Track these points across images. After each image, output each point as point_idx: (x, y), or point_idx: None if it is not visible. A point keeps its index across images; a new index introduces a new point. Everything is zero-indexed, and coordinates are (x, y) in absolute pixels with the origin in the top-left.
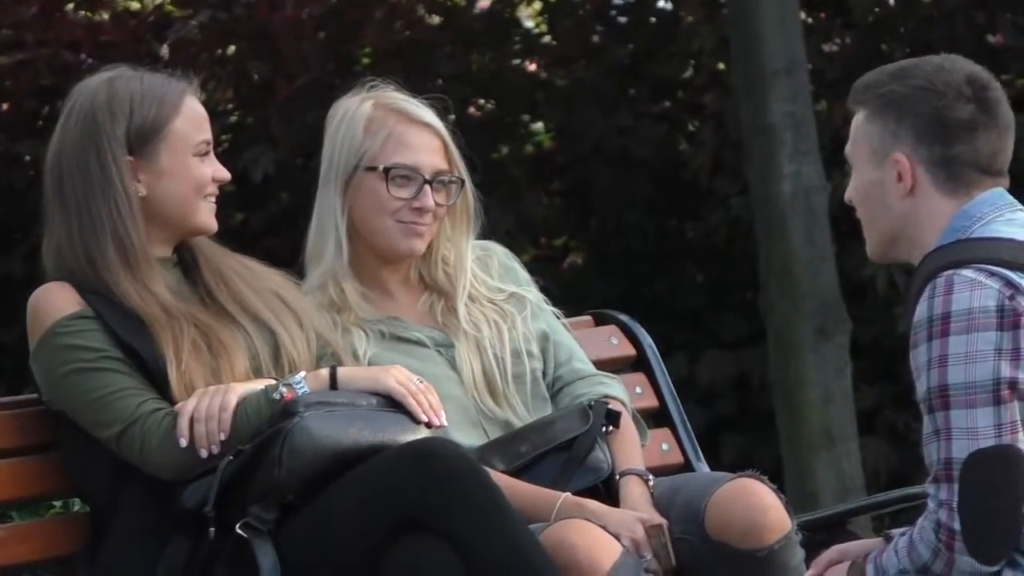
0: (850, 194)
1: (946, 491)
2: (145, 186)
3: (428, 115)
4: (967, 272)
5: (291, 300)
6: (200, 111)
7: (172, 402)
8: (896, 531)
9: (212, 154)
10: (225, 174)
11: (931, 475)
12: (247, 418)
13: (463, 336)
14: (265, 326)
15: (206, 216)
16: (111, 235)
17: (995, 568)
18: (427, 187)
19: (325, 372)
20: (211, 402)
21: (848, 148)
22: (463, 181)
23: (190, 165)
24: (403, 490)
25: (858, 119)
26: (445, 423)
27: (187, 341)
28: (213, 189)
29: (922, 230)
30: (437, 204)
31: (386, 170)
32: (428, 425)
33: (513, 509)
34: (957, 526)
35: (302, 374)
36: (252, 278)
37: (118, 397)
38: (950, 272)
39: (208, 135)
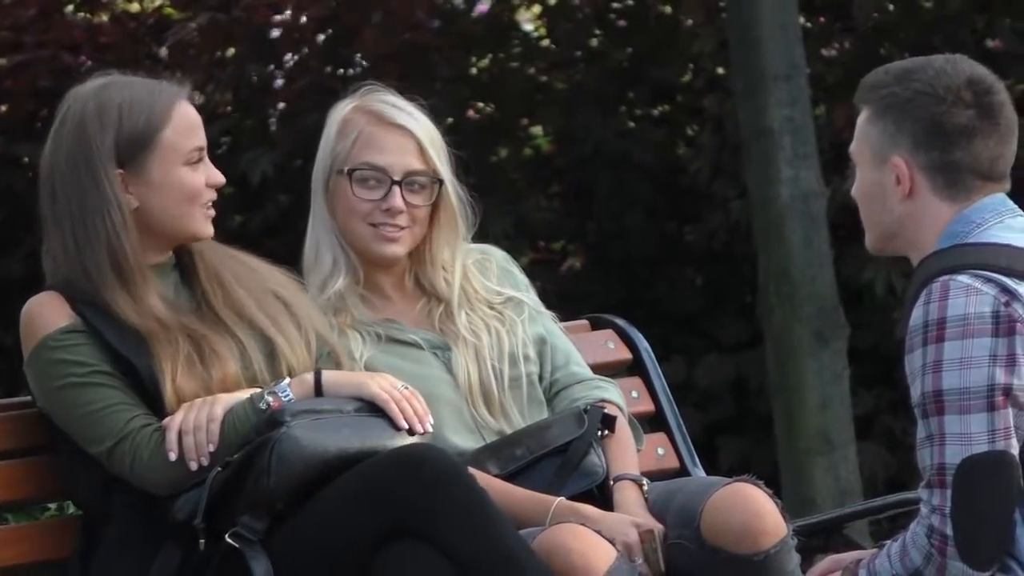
0: (853, 191)
1: (939, 496)
2: (137, 198)
3: (402, 116)
4: (963, 278)
5: (291, 300)
6: (191, 117)
7: (164, 416)
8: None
9: (206, 159)
10: (219, 178)
11: (924, 480)
12: (234, 428)
13: (462, 343)
14: (262, 334)
15: (200, 224)
16: (105, 248)
17: (987, 573)
18: (395, 188)
19: (310, 378)
20: (198, 414)
21: (852, 146)
22: (441, 181)
23: (181, 176)
24: (391, 496)
25: (861, 118)
26: (430, 429)
27: (181, 355)
28: (209, 196)
29: (921, 232)
30: (411, 205)
31: (350, 172)
32: (411, 432)
33: (503, 514)
34: (949, 531)
35: (287, 381)
36: (252, 280)
37: (108, 413)
38: (946, 277)
39: (200, 141)
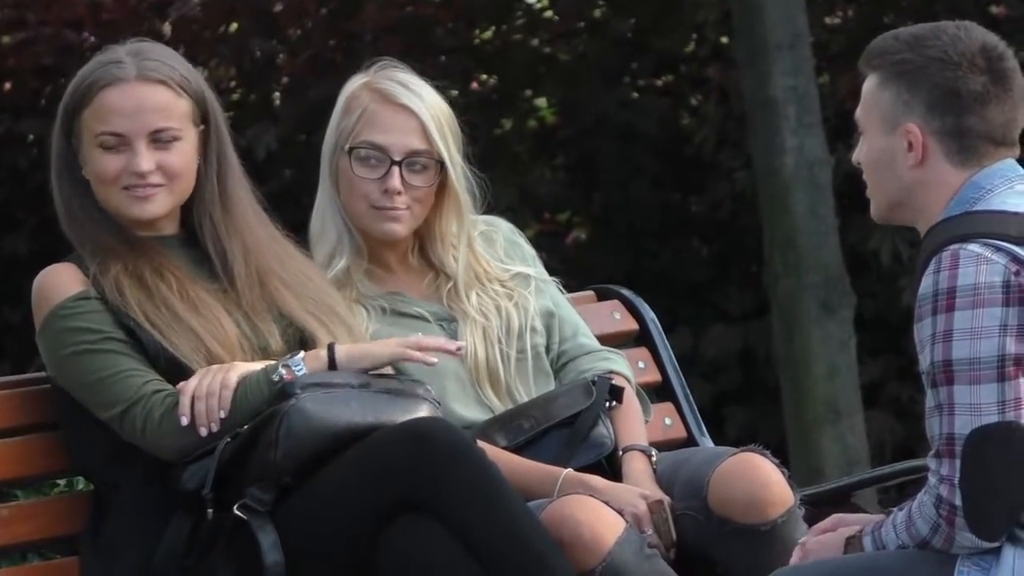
0: (858, 157)
1: (948, 466)
2: (84, 169)
3: (408, 96)
4: (973, 247)
5: (343, 314)
6: (112, 103)
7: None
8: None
9: (135, 144)
10: (136, 167)
11: (933, 449)
12: (246, 397)
13: (471, 321)
14: (300, 328)
15: (126, 206)
16: (79, 210)
17: (995, 544)
18: (395, 168)
19: (323, 352)
20: (212, 380)
21: (859, 112)
22: (443, 163)
23: (94, 157)
24: (397, 471)
25: (870, 84)
26: (463, 343)
27: (169, 292)
28: (129, 180)
29: (930, 199)
30: (412, 186)
31: (351, 150)
32: (430, 394)
33: (511, 489)
34: (958, 501)
35: (301, 355)
36: (303, 285)
37: (120, 378)
38: (956, 246)
39: (117, 128)
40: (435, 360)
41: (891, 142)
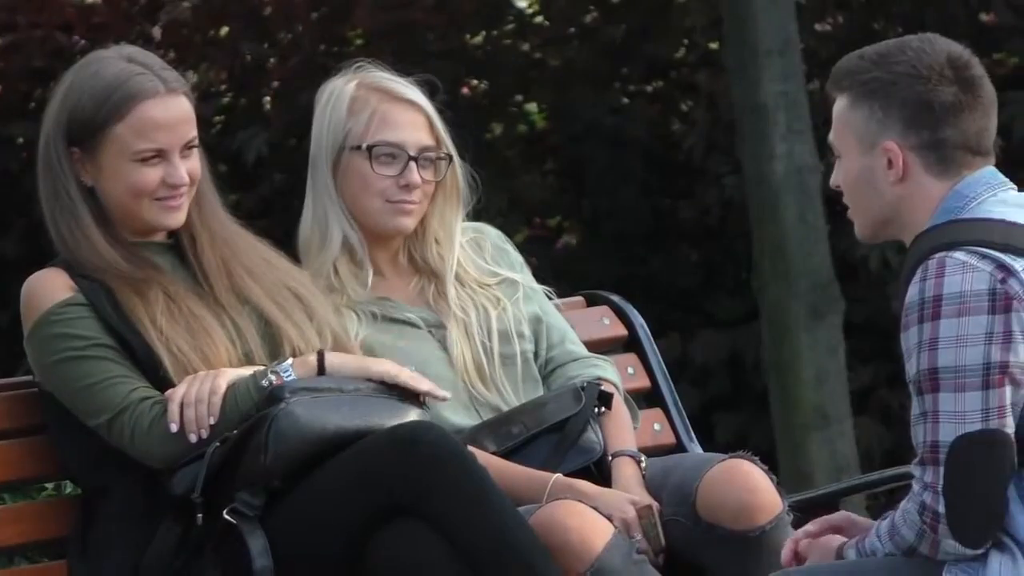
0: (836, 180)
1: (931, 473)
2: (92, 178)
3: (412, 92)
4: (959, 255)
5: (306, 296)
6: (152, 118)
7: (161, 386)
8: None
9: (172, 157)
10: (178, 179)
11: (917, 457)
12: (236, 403)
13: (453, 320)
14: (265, 319)
15: (156, 215)
16: (70, 218)
17: (979, 551)
18: (412, 164)
19: (313, 359)
20: (200, 387)
21: (832, 136)
22: (451, 157)
23: (129, 171)
24: (386, 476)
25: (840, 106)
26: (448, 395)
27: (159, 306)
28: (165, 192)
29: (915, 213)
30: (424, 180)
31: (369, 148)
32: (422, 404)
33: (500, 493)
34: (942, 509)
35: (289, 361)
36: (267, 272)
37: (108, 385)
38: (942, 254)
39: (158, 143)
40: (425, 388)
41: (870, 161)
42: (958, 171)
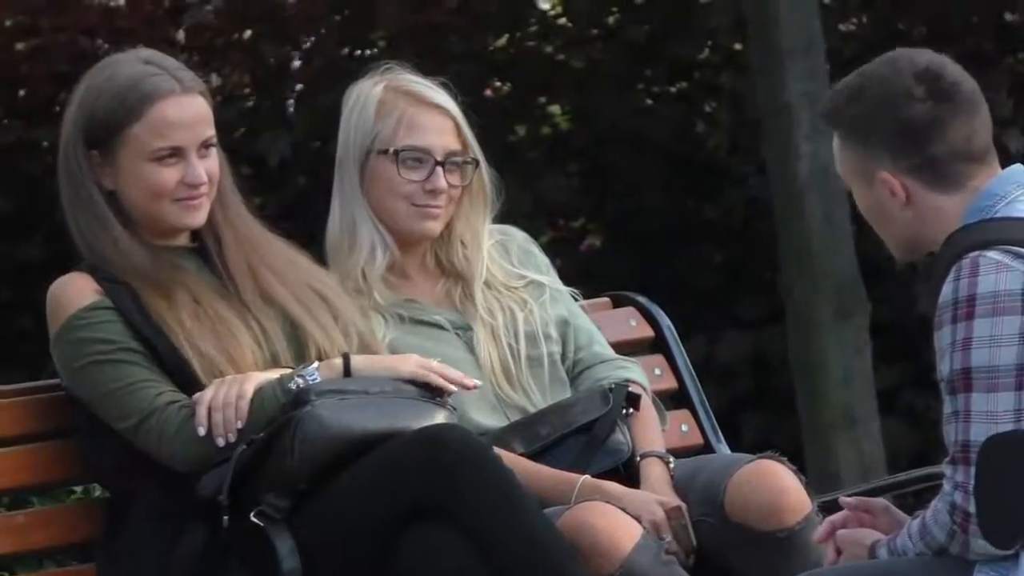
0: (860, 210)
1: (963, 473)
2: (111, 181)
3: (440, 96)
4: (993, 254)
5: (331, 297)
6: (168, 117)
7: (189, 388)
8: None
9: (189, 156)
10: (196, 178)
11: (949, 456)
12: (263, 407)
13: (480, 322)
14: (291, 321)
15: (176, 216)
16: (93, 221)
17: (1010, 551)
18: (439, 168)
19: (339, 362)
20: (228, 391)
21: (839, 170)
22: (478, 162)
23: (146, 171)
24: (412, 478)
25: (835, 145)
26: (479, 383)
27: (185, 308)
28: (184, 192)
29: (936, 230)
30: (451, 185)
31: (396, 152)
32: (448, 404)
33: (528, 495)
34: (972, 509)
35: (315, 365)
36: (290, 272)
37: (135, 389)
38: (975, 254)
39: (175, 141)
40: (454, 389)
41: (874, 193)
42: (961, 182)
